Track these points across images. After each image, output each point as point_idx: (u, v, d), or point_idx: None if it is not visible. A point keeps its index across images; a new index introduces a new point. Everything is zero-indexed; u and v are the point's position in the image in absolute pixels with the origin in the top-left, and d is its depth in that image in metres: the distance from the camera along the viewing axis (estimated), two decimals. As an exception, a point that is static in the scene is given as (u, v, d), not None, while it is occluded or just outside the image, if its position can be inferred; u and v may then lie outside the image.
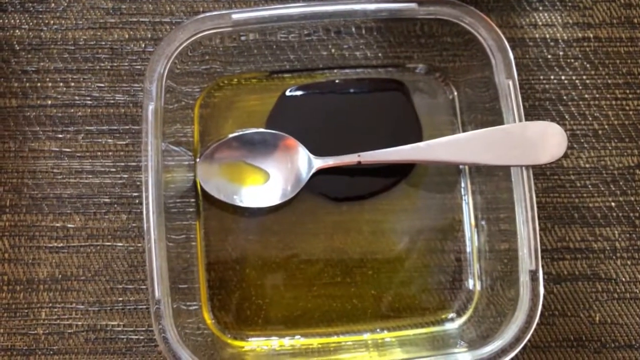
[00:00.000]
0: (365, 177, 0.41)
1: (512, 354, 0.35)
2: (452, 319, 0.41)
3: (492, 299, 0.39)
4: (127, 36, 0.43)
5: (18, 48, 0.43)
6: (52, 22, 0.43)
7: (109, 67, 0.43)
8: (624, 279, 0.41)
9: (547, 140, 0.36)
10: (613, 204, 0.42)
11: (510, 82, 0.36)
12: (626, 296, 0.41)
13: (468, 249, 0.41)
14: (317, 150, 0.40)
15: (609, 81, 0.43)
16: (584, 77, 0.43)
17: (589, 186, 0.42)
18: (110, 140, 0.42)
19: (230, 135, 0.41)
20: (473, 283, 0.41)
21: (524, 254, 0.35)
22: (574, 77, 0.43)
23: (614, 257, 0.41)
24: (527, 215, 0.35)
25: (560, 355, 0.41)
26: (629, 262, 0.41)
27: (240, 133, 0.41)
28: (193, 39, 0.38)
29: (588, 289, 0.41)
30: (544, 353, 0.41)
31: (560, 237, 0.42)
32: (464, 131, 0.41)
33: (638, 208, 0.42)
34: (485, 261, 0.40)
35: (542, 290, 0.35)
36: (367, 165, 0.40)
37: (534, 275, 0.35)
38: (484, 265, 0.40)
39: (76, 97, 0.42)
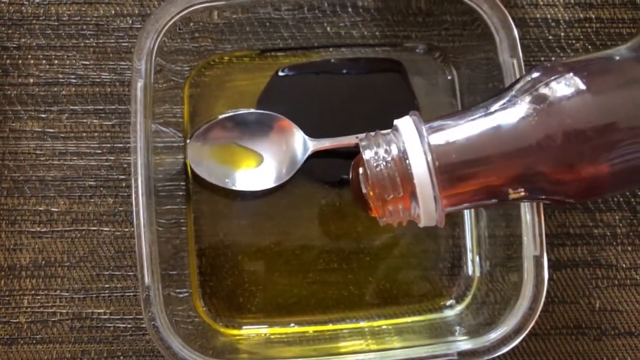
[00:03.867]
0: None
1: (516, 342, 0.34)
2: (451, 306, 0.40)
3: (491, 286, 0.38)
4: (113, 12, 0.41)
5: (-2, 23, 0.41)
6: (34, -4, 0.41)
7: (94, 44, 0.41)
8: (624, 265, 0.40)
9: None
10: (614, 188, 0.41)
11: (515, 61, 0.35)
12: (626, 283, 0.40)
13: (467, 234, 0.40)
14: (310, 132, 0.39)
15: (611, 63, 0.42)
16: (586, 58, 0.42)
17: (590, 170, 0.41)
18: (95, 121, 0.40)
19: (222, 116, 0.40)
20: (472, 269, 0.40)
21: (528, 239, 0.34)
22: (575, 59, 0.42)
23: (614, 243, 0.41)
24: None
25: (560, 342, 0.40)
26: (629, 249, 0.41)
27: (233, 113, 0.40)
28: (184, 13, 0.36)
29: (588, 275, 0.40)
30: (542, 340, 0.40)
31: (560, 223, 0.41)
32: (463, 113, 0.40)
33: (639, 193, 0.41)
34: (485, 247, 0.39)
35: (546, 276, 0.34)
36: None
37: (538, 261, 0.34)
38: (484, 251, 0.39)
39: (60, 75, 0.41)
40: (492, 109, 0.31)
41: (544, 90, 0.30)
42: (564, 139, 0.29)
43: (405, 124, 0.32)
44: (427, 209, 0.31)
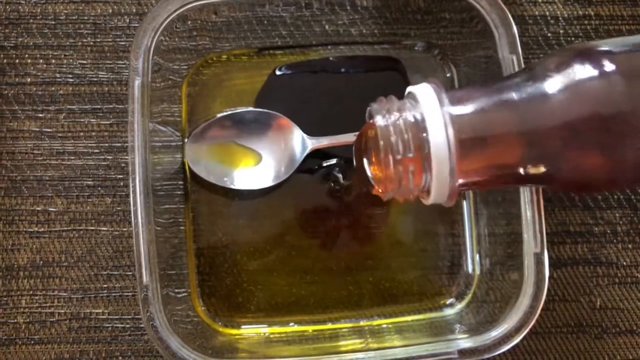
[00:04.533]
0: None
1: (517, 340, 0.34)
2: (451, 305, 0.39)
3: (492, 284, 0.38)
4: (110, 11, 0.41)
5: (-5, 22, 0.41)
6: (31, -5, 0.41)
7: (91, 43, 0.41)
8: (625, 263, 0.40)
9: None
10: (614, 186, 0.41)
11: (514, 58, 0.35)
12: (627, 280, 0.40)
13: (467, 232, 0.40)
14: (309, 130, 0.39)
15: (610, 60, 0.42)
16: (585, 56, 0.42)
17: (590, 168, 0.41)
18: (93, 120, 0.40)
19: (220, 114, 0.39)
20: (472, 267, 0.40)
21: (529, 236, 0.34)
22: (574, 56, 0.42)
23: (614, 240, 0.40)
24: (532, 196, 0.34)
25: (560, 341, 0.40)
26: (630, 246, 0.40)
27: (231, 112, 0.39)
28: (181, 10, 0.36)
29: (589, 273, 0.40)
30: (543, 339, 0.40)
31: (560, 221, 0.40)
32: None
33: (639, 191, 0.41)
34: (485, 245, 0.39)
35: (547, 274, 0.34)
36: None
37: (539, 258, 0.34)
38: (484, 249, 0.39)
39: (57, 75, 0.40)
40: (519, 83, 0.29)
41: (572, 69, 0.29)
42: (589, 123, 0.28)
43: (424, 91, 0.30)
44: (440, 182, 0.29)
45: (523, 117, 0.29)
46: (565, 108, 0.28)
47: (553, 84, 0.29)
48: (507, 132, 0.29)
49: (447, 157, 0.28)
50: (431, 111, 0.29)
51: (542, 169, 0.29)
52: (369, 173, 0.32)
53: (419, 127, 0.29)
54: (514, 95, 0.29)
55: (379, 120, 0.30)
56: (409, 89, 0.31)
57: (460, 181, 0.29)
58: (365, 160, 0.32)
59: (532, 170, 0.29)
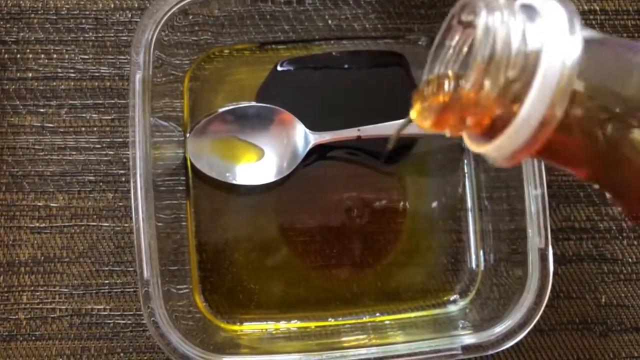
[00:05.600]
0: (364, 154, 0.40)
1: (521, 336, 0.34)
2: (454, 301, 0.39)
3: (496, 280, 0.38)
4: (112, 5, 0.41)
5: (-4, 17, 0.40)
6: (32, -10, 0.41)
7: (93, 38, 0.40)
8: (630, 260, 0.40)
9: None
10: (619, 182, 0.40)
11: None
12: (632, 277, 0.40)
13: (471, 229, 0.40)
14: (311, 125, 0.39)
15: (616, 55, 0.41)
16: (590, 50, 0.41)
17: (595, 164, 0.40)
18: (95, 115, 0.40)
19: (222, 109, 0.39)
20: (476, 263, 0.39)
21: (533, 232, 0.34)
22: (579, 51, 0.41)
23: (620, 237, 0.40)
24: (537, 191, 0.34)
25: (565, 338, 0.39)
26: (635, 242, 0.40)
27: (233, 107, 0.39)
28: (181, 4, 0.35)
29: (594, 270, 0.40)
30: (547, 336, 0.39)
31: (565, 217, 0.40)
32: (466, 106, 0.40)
33: (645, 186, 0.40)
34: (489, 241, 0.39)
35: (551, 269, 0.34)
36: (366, 141, 0.38)
37: (543, 254, 0.34)
38: (488, 245, 0.39)
39: (59, 70, 0.40)
40: None
41: None
42: None
43: (552, 7, 0.23)
44: (529, 119, 0.22)
45: None
46: None
47: None
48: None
49: (552, 91, 0.21)
50: (555, 33, 0.22)
51: None
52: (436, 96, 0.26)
53: (532, 45, 0.22)
54: None
55: (484, 15, 0.22)
56: (529, 1, 0.23)
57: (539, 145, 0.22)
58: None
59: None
